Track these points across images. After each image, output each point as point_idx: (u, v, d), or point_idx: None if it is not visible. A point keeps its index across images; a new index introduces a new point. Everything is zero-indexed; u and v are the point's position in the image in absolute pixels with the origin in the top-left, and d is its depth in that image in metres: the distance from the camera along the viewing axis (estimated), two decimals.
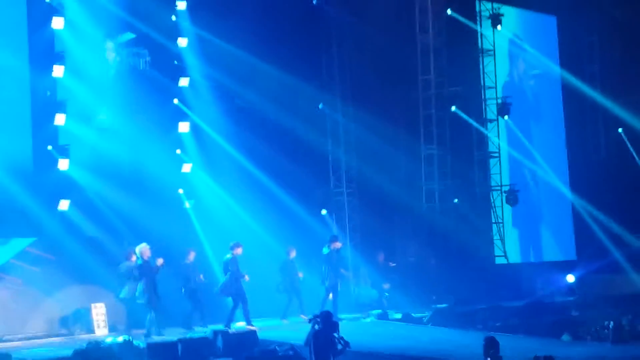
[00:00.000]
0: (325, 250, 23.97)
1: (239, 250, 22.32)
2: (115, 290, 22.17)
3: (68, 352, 17.93)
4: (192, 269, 22.81)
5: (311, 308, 22.12)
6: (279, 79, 25.52)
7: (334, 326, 16.86)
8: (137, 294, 21.09)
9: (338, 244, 24.25)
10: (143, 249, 21.24)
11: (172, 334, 20.78)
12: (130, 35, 24.06)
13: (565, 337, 22.77)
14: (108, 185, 23.05)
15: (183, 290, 22.63)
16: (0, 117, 21.71)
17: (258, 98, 25.58)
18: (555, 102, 33.88)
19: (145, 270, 21.09)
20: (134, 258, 21.49)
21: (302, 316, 22.81)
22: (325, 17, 28.23)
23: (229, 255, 22.28)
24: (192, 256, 22.89)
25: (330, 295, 23.78)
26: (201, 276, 22.93)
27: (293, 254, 24.02)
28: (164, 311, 21.61)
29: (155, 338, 20.51)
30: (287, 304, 23.97)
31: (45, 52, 22.40)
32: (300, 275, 23.96)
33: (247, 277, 22.35)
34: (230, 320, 22.05)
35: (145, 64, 24.43)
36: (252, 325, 21.89)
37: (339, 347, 16.40)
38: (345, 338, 16.73)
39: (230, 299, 22.29)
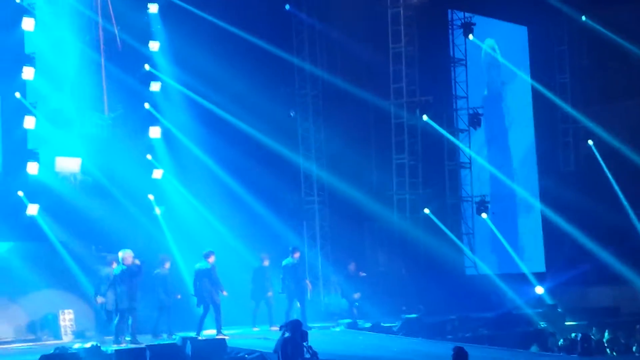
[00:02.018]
0: (286, 262, 23.48)
1: (213, 258, 21.97)
2: (84, 295, 21.89)
3: (35, 358, 17.67)
4: (166, 279, 22.36)
5: (282, 318, 21.99)
6: (251, 85, 25.39)
7: (303, 335, 16.77)
8: (117, 299, 20.71)
9: (298, 254, 23.96)
10: (126, 254, 20.82)
11: (140, 341, 20.56)
12: None
13: (534, 349, 22.79)
14: (77, 190, 22.80)
15: (158, 299, 22.15)
16: None
17: (230, 104, 25.42)
18: (526, 113, 33.94)
19: (127, 276, 20.75)
20: (114, 264, 21.13)
21: (272, 327, 22.60)
22: (297, 24, 28.21)
23: (206, 264, 21.79)
24: (167, 265, 22.43)
25: (298, 304, 23.54)
26: (178, 296, 22.50)
27: (266, 262, 23.78)
28: (140, 318, 21.30)
29: (126, 345, 20.24)
30: (254, 310, 23.70)
31: (15, 53, 22.17)
32: (270, 294, 23.59)
33: (225, 293, 22.06)
34: (200, 327, 21.80)
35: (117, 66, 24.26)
36: (222, 334, 21.64)
37: (307, 356, 16.33)
38: (314, 347, 16.65)
39: (201, 307, 21.96)
